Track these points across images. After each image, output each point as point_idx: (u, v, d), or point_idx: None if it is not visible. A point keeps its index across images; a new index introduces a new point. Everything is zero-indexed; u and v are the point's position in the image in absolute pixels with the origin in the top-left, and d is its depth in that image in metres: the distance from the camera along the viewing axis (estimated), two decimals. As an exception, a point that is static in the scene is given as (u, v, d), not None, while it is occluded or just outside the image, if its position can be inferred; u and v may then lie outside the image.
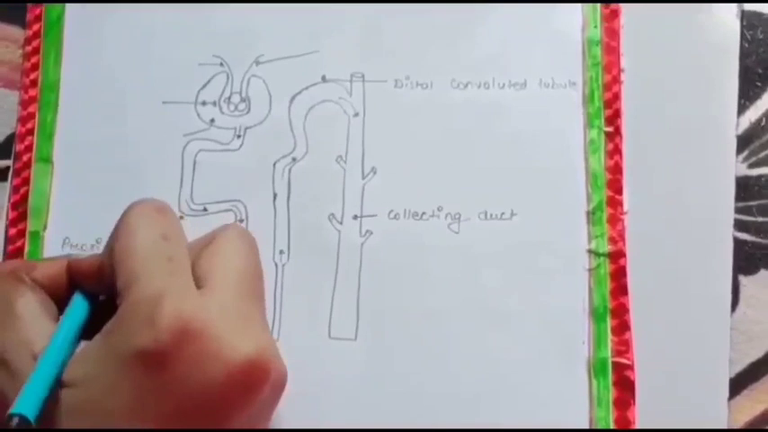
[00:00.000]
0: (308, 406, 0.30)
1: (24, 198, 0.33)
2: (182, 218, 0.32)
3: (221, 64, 0.34)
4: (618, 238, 0.31)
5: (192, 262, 0.27)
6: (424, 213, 0.32)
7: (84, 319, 0.27)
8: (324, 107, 0.33)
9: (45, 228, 0.33)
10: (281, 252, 0.32)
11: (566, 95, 0.33)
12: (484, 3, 0.34)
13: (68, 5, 0.35)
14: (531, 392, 0.30)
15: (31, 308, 0.27)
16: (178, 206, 0.33)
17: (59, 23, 0.35)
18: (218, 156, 0.33)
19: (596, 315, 0.31)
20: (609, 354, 0.30)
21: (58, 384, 0.25)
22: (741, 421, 0.31)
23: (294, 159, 0.33)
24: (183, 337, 0.24)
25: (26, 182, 0.34)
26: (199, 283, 0.26)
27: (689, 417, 0.30)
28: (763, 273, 0.32)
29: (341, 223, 0.32)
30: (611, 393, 0.30)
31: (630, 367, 0.30)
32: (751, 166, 0.33)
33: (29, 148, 0.34)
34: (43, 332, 0.26)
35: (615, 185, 0.32)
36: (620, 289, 0.31)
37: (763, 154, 0.33)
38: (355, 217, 0.32)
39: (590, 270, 0.31)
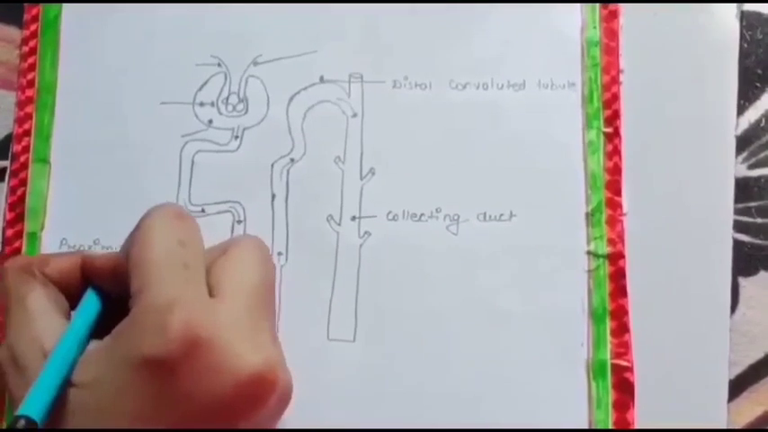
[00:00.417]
0: (307, 407, 0.30)
1: (22, 199, 0.33)
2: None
3: (219, 64, 0.34)
4: (617, 240, 0.31)
5: (206, 270, 0.27)
6: (422, 214, 0.32)
7: (96, 316, 0.27)
8: (322, 108, 0.33)
9: (42, 229, 0.33)
10: (280, 253, 0.32)
11: (565, 96, 0.33)
12: (483, 2, 0.34)
13: (65, 6, 0.35)
14: (531, 394, 0.30)
15: (41, 303, 0.27)
16: (176, 207, 0.33)
17: (56, 24, 0.35)
18: (216, 156, 0.33)
19: (595, 317, 0.31)
20: (608, 355, 0.30)
21: (67, 384, 0.25)
22: (741, 423, 0.31)
23: (292, 160, 0.33)
24: (191, 347, 0.24)
25: (23, 183, 0.34)
26: (211, 291, 0.26)
27: (688, 418, 0.30)
28: (762, 274, 0.32)
29: (339, 224, 0.32)
30: (611, 395, 0.30)
31: (630, 369, 0.30)
32: (750, 167, 0.33)
33: (26, 149, 0.34)
34: (54, 329, 0.26)
35: (614, 187, 0.32)
36: (619, 290, 0.31)
37: (762, 155, 0.33)
38: (354, 218, 0.32)
39: (589, 271, 0.31)
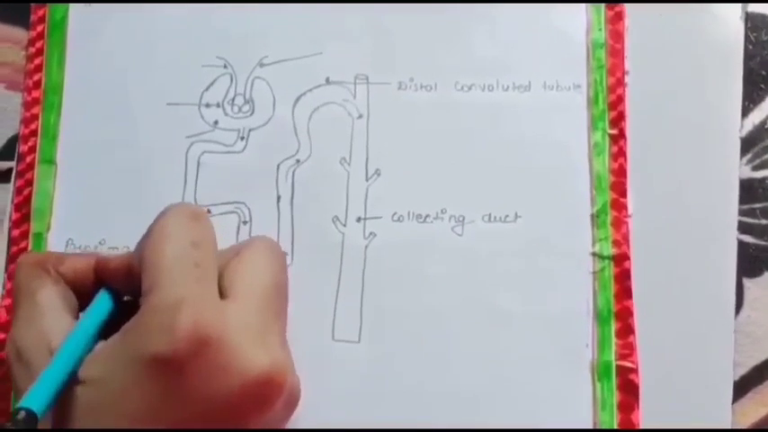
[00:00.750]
0: (312, 407, 0.30)
1: (28, 199, 0.33)
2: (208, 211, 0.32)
3: (225, 66, 0.34)
4: (622, 241, 0.31)
5: (219, 271, 0.27)
6: (427, 216, 0.32)
7: (106, 316, 0.27)
8: (328, 109, 0.33)
9: (48, 229, 0.33)
10: (285, 254, 0.32)
11: (570, 98, 0.33)
12: (488, 2, 0.34)
13: (72, 7, 0.35)
14: (535, 395, 0.30)
15: (51, 300, 0.27)
16: (182, 208, 0.33)
17: (63, 25, 0.35)
18: (221, 157, 0.33)
19: (600, 318, 0.31)
20: (613, 357, 0.30)
21: (73, 381, 0.25)
22: (745, 424, 0.31)
23: (298, 161, 0.33)
24: (199, 346, 0.24)
25: (29, 183, 0.34)
26: (223, 292, 0.26)
27: (693, 420, 0.30)
28: (767, 275, 0.32)
29: (345, 225, 0.32)
30: (615, 397, 0.30)
31: (634, 370, 0.30)
32: (755, 168, 0.33)
33: (32, 150, 0.34)
34: (61, 326, 0.26)
35: (619, 188, 0.32)
36: (624, 292, 0.31)
37: (767, 156, 0.33)
38: (359, 219, 0.32)
39: (594, 273, 0.31)
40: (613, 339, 0.31)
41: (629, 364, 0.30)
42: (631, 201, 0.32)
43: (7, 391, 0.32)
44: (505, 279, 0.31)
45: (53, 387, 0.24)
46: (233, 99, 0.34)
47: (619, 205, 0.32)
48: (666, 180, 0.32)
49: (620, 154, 0.32)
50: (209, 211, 0.33)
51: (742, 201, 0.32)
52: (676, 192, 0.32)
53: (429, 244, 0.32)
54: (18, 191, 0.34)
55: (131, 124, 0.34)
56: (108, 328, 0.27)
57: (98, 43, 0.35)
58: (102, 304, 0.28)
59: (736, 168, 0.32)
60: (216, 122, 0.34)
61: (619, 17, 0.33)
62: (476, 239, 0.32)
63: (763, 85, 0.33)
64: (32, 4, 0.35)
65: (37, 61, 0.35)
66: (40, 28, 0.35)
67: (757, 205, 0.33)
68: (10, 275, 0.33)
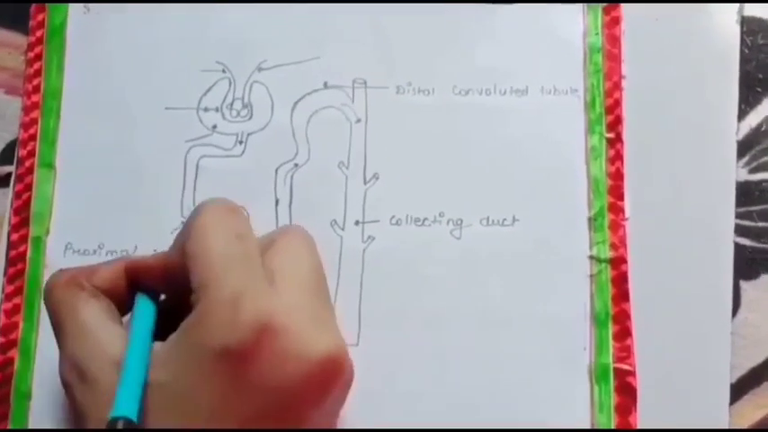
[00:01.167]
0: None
1: (27, 203, 0.33)
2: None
3: (224, 70, 0.34)
4: (619, 245, 0.31)
5: None
6: (426, 219, 0.32)
7: (154, 319, 0.27)
8: (326, 113, 0.34)
9: (47, 233, 0.33)
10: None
11: (567, 102, 0.33)
12: (486, 2, 0.34)
13: (71, 12, 0.35)
14: (533, 397, 0.31)
15: (97, 315, 0.27)
16: (181, 212, 0.33)
17: (62, 30, 0.35)
18: (220, 162, 0.33)
19: (598, 321, 0.31)
20: (610, 359, 0.30)
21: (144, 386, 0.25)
22: (742, 426, 0.31)
23: (296, 165, 0.33)
24: (264, 335, 0.24)
25: (29, 187, 0.34)
26: (268, 281, 0.26)
27: (690, 422, 0.30)
28: (763, 277, 0.32)
29: (343, 229, 0.33)
30: (613, 399, 0.30)
31: (632, 373, 0.30)
32: (752, 171, 0.33)
33: (31, 154, 0.34)
34: (115, 337, 0.26)
35: (616, 191, 0.32)
36: (621, 295, 0.31)
37: (763, 159, 0.33)
38: (357, 223, 0.32)
39: (591, 276, 0.31)
40: (611, 342, 0.31)
41: (626, 367, 0.30)
42: (628, 204, 0.32)
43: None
44: (503, 282, 0.31)
45: (136, 393, 0.24)
46: (231, 103, 0.34)
47: (616, 208, 0.32)
48: (663, 183, 0.32)
49: (617, 158, 0.32)
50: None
51: (739, 203, 0.32)
52: (673, 195, 0.32)
53: (427, 247, 0.32)
54: (17, 195, 0.34)
55: (130, 128, 0.34)
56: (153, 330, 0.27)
57: (97, 48, 0.35)
58: (145, 308, 0.28)
59: (733, 171, 0.33)
60: (214, 127, 0.34)
61: (615, 22, 0.33)
62: (474, 243, 0.32)
63: (759, 89, 0.34)
64: (32, 9, 0.35)
65: (36, 66, 0.35)
66: (39, 33, 0.35)
67: (754, 208, 0.33)
68: (9, 279, 0.33)
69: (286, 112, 0.34)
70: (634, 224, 0.32)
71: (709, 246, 0.32)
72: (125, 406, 0.23)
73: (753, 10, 0.34)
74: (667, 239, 0.32)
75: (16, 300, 0.32)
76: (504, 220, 0.32)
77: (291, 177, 0.33)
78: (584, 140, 0.32)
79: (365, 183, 0.33)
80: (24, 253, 0.33)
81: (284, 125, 0.34)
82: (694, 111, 0.33)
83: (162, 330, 0.26)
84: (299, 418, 0.25)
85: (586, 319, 0.31)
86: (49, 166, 0.34)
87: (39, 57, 0.35)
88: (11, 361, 0.32)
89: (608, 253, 0.31)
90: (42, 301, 0.32)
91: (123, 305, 0.28)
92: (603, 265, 0.31)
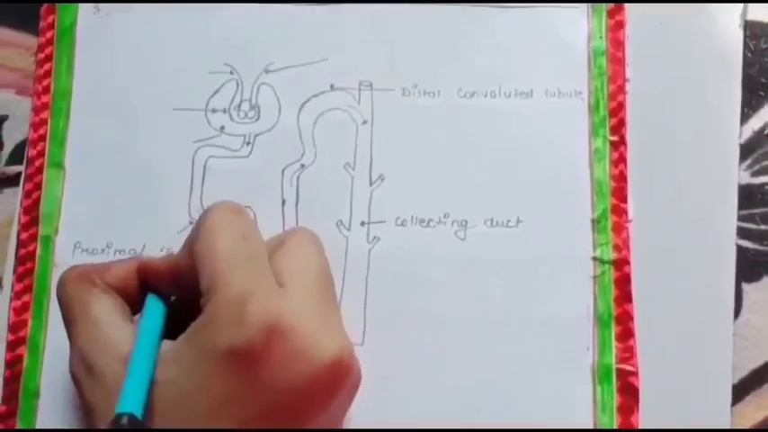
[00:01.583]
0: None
1: (36, 203, 0.34)
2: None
3: (231, 72, 0.34)
4: (622, 246, 0.32)
5: None
6: (430, 220, 0.33)
7: (163, 319, 0.27)
8: (332, 115, 0.34)
9: (56, 232, 0.33)
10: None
11: (571, 105, 0.33)
12: (491, 3, 0.34)
13: (80, 13, 0.35)
14: (536, 398, 0.31)
15: (107, 311, 0.27)
16: (188, 212, 0.33)
17: (72, 31, 0.35)
18: (227, 162, 0.34)
19: (601, 322, 0.31)
20: (613, 360, 0.31)
21: (149, 384, 0.25)
22: (744, 427, 0.31)
23: (303, 166, 0.33)
24: (272, 335, 0.24)
25: (38, 187, 0.34)
26: (277, 282, 0.26)
27: (692, 422, 0.30)
28: (765, 280, 0.32)
29: (348, 230, 0.33)
30: (616, 399, 0.30)
31: (634, 374, 0.30)
32: (754, 174, 0.33)
33: (41, 154, 0.34)
34: (124, 334, 0.26)
35: (620, 194, 0.32)
36: (624, 296, 0.31)
37: (765, 162, 0.33)
38: (363, 223, 0.33)
39: (595, 277, 0.32)
40: (614, 343, 0.31)
41: (629, 368, 0.31)
42: (632, 206, 0.32)
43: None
44: (507, 283, 0.32)
45: (142, 390, 0.24)
46: (239, 105, 0.34)
47: (619, 210, 0.32)
48: (666, 186, 0.33)
49: (620, 160, 0.32)
50: None
51: (741, 206, 0.33)
52: (676, 197, 0.33)
53: (432, 248, 0.32)
54: (27, 194, 0.34)
55: (139, 129, 0.34)
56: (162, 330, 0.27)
57: (106, 49, 0.35)
58: (155, 307, 0.28)
59: (736, 174, 0.33)
60: (222, 128, 0.34)
61: (620, 25, 0.33)
62: (478, 244, 0.32)
63: (761, 92, 0.34)
64: (42, 10, 0.36)
65: (46, 67, 0.35)
66: (49, 34, 0.35)
67: (756, 211, 0.33)
68: (19, 277, 0.33)
69: (293, 114, 0.34)
70: (637, 226, 0.32)
71: (712, 248, 0.32)
72: (130, 402, 0.23)
73: (756, 14, 0.34)
74: (670, 241, 0.32)
75: (25, 298, 0.33)
76: (509, 221, 0.32)
77: (298, 178, 0.33)
78: (587, 143, 0.33)
79: (371, 184, 0.33)
80: (34, 252, 0.33)
81: (291, 126, 0.34)
82: (697, 114, 0.33)
83: (173, 332, 0.26)
84: (304, 419, 0.25)
85: (589, 319, 0.31)
86: (59, 165, 0.34)
87: (49, 57, 0.35)
88: (20, 358, 0.32)
89: (611, 254, 0.32)
90: (51, 300, 0.33)
91: (135, 304, 0.28)
92: (607, 266, 0.32)
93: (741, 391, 0.31)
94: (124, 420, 0.23)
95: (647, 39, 0.33)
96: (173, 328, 0.27)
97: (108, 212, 0.34)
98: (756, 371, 0.32)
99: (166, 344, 0.26)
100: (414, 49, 0.34)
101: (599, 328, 0.31)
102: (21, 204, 0.34)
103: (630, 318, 0.31)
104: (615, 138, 0.33)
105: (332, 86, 0.34)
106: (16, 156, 0.35)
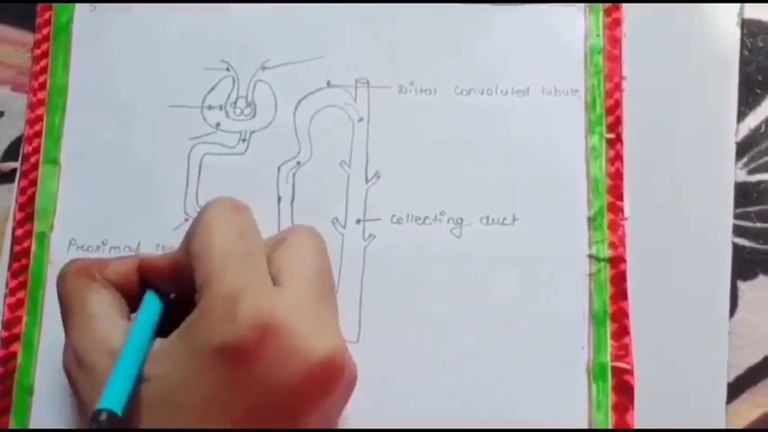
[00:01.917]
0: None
1: (31, 199, 0.34)
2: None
3: (228, 69, 0.34)
4: (618, 244, 0.32)
5: (266, 259, 0.27)
6: (426, 218, 0.33)
7: (158, 316, 0.27)
8: (329, 112, 0.34)
9: (52, 229, 0.33)
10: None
11: (568, 102, 0.33)
12: (488, 3, 0.34)
13: (77, 10, 0.35)
14: (531, 396, 0.31)
15: (104, 306, 0.27)
16: (184, 209, 0.33)
17: (68, 28, 0.35)
18: (223, 159, 0.34)
19: (596, 319, 0.31)
20: (608, 358, 0.31)
21: (138, 379, 0.25)
22: (739, 425, 0.31)
23: (299, 163, 0.33)
24: (263, 333, 0.24)
25: (33, 183, 0.34)
26: (274, 280, 0.26)
27: (687, 421, 0.30)
28: (761, 278, 0.32)
29: (344, 227, 0.33)
30: (611, 397, 0.30)
31: (630, 372, 0.30)
32: (750, 172, 0.33)
33: (36, 150, 0.34)
34: (118, 330, 0.26)
35: (616, 191, 0.32)
36: (619, 294, 0.31)
37: (762, 160, 0.33)
38: (358, 221, 0.33)
39: (590, 275, 0.32)
40: (609, 341, 0.31)
41: (624, 366, 0.31)
42: (628, 204, 0.32)
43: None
44: (503, 280, 0.32)
45: (126, 386, 0.24)
46: (235, 102, 0.34)
47: (615, 208, 0.32)
48: (663, 183, 0.33)
49: (616, 158, 0.32)
50: None
51: (737, 204, 0.33)
52: (672, 195, 0.33)
53: (427, 245, 0.32)
54: (22, 191, 0.34)
55: (134, 126, 0.34)
56: (158, 327, 0.27)
57: (102, 46, 0.35)
58: (151, 305, 0.28)
59: (732, 172, 0.33)
60: (218, 125, 0.34)
61: (616, 23, 0.33)
62: (474, 241, 0.32)
63: (758, 90, 0.34)
64: (39, 7, 0.35)
65: (42, 63, 0.35)
66: (45, 31, 0.35)
67: (752, 209, 0.33)
68: (13, 273, 0.33)
69: (289, 111, 0.34)
70: (633, 224, 0.32)
71: (708, 246, 0.32)
72: (112, 398, 0.23)
73: (753, 12, 0.34)
74: (666, 239, 0.32)
75: (20, 294, 0.33)
76: (505, 219, 0.32)
77: (294, 175, 0.33)
78: (584, 141, 0.33)
79: (367, 181, 0.33)
80: (29, 248, 0.33)
81: (287, 123, 0.34)
82: (694, 112, 0.33)
83: (170, 330, 0.26)
84: (296, 418, 0.25)
85: (585, 317, 0.31)
86: (54, 162, 0.34)
87: (45, 54, 0.35)
88: (14, 355, 0.32)
89: (607, 252, 0.32)
90: (46, 297, 0.33)
91: (134, 301, 0.28)
92: (602, 264, 0.32)
93: (736, 389, 0.31)
94: (103, 417, 0.23)
95: (644, 37, 0.33)
96: (172, 326, 0.26)
97: (103, 209, 0.34)
98: (752, 369, 0.32)
99: (158, 341, 0.26)
100: (410, 47, 0.34)
101: (594, 325, 0.31)
102: (16, 201, 0.34)
103: (626, 315, 0.31)
104: (612, 135, 0.33)
105: (328, 83, 0.34)
106: (11, 152, 0.35)
